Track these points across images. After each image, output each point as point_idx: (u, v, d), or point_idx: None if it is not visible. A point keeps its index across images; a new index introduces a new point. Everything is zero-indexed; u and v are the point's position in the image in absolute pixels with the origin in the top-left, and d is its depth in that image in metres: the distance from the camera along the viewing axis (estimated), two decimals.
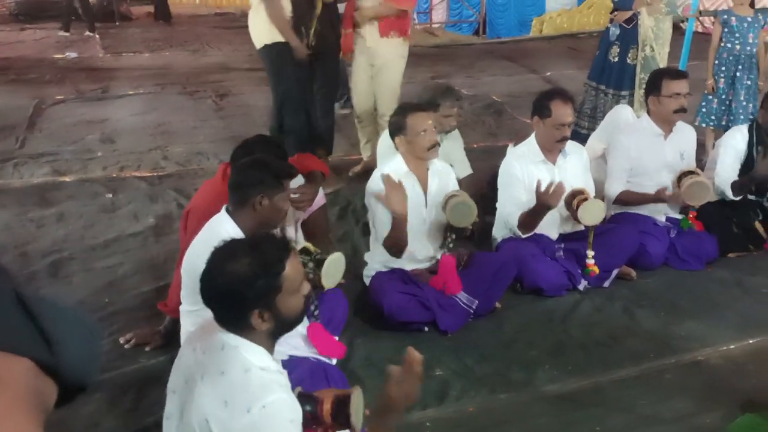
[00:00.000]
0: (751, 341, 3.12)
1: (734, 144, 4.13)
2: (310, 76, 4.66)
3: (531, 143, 3.72)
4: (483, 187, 4.13)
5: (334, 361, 2.75)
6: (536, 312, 3.39)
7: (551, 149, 3.66)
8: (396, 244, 3.19)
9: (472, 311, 3.22)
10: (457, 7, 13.56)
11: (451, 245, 3.29)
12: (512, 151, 3.83)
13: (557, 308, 3.42)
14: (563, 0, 12.76)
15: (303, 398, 1.85)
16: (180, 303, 2.59)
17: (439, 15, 14.19)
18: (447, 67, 9.46)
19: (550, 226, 3.68)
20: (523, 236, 3.60)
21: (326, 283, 2.63)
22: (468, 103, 7.10)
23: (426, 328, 3.17)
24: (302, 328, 2.69)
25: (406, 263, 3.30)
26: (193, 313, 2.44)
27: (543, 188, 3.37)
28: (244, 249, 1.79)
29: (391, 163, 3.34)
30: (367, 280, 3.37)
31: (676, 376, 2.88)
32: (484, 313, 3.28)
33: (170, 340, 2.93)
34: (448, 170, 3.48)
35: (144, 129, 6.27)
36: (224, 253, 1.79)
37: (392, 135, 3.30)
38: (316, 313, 2.73)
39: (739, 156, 4.10)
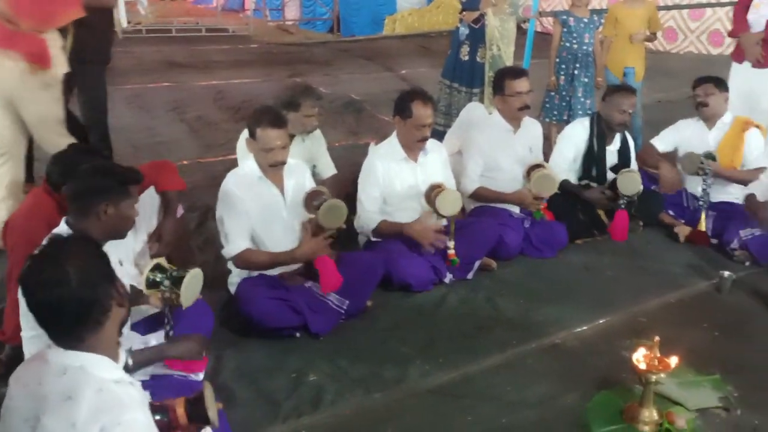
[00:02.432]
0: (601, 321, 3.34)
1: (574, 134, 4.42)
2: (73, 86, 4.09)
3: (393, 142, 3.76)
4: (348, 187, 4.12)
5: (200, 377, 2.61)
6: (406, 308, 3.43)
7: (412, 148, 3.73)
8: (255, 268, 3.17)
9: (343, 312, 3.20)
10: (310, 4, 13.53)
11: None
12: (374, 150, 3.86)
13: (426, 303, 3.49)
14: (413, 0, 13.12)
15: (154, 409, 1.81)
16: (19, 329, 2.33)
17: (292, 12, 14.07)
18: (304, 66, 9.40)
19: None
20: (373, 239, 3.65)
21: (185, 301, 2.50)
22: (328, 101, 7.07)
23: (297, 333, 3.11)
24: (157, 342, 2.53)
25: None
26: (36, 338, 2.21)
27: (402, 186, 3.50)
28: (60, 254, 1.66)
29: (244, 166, 3.24)
30: (232, 288, 3.24)
31: (538, 360, 3.02)
32: (356, 312, 3.27)
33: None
34: (303, 168, 3.41)
35: None
36: (40, 264, 1.65)
37: (250, 134, 3.18)
38: (171, 333, 2.57)
39: (579, 147, 4.39)
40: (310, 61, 9.79)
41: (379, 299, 3.42)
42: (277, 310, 3.01)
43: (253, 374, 2.85)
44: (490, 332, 3.23)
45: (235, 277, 3.24)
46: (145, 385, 2.24)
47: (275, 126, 3.11)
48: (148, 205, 2.94)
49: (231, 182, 3.15)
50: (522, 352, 3.08)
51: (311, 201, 3.16)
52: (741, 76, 4.76)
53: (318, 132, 4.10)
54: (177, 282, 2.50)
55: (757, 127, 4.34)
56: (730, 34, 5.07)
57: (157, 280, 2.51)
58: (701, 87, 4.40)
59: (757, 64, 4.74)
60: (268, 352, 3.00)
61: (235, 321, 3.12)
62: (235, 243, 3.11)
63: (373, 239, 3.70)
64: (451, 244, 3.64)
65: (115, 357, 1.72)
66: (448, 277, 3.67)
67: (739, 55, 4.90)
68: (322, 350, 3.03)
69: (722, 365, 2.95)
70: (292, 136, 3.97)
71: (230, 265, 3.29)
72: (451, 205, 3.58)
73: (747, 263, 3.96)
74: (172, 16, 13.83)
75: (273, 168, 3.17)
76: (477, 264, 3.77)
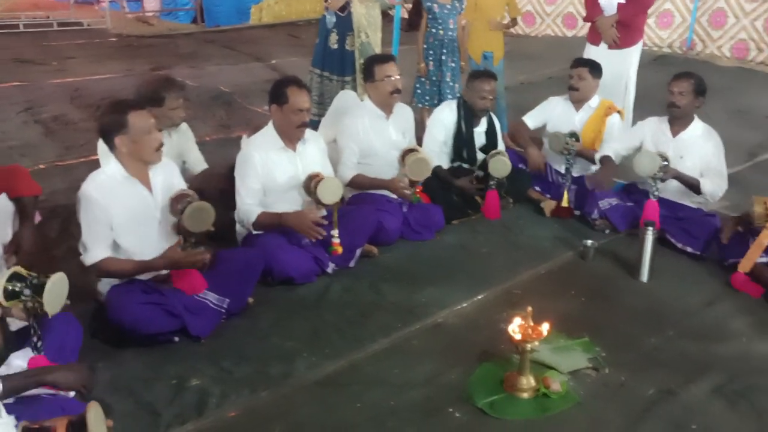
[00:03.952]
0: (479, 297, 3.47)
1: (443, 117, 4.56)
2: None
3: (269, 132, 3.69)
4: (221, 182, 3.99)
5: (71, 394, 2.45)
6: (289, 302, 3.38)
7: (291, 136, 3.67)
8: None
9: (224, 311, 3.11)
10: None
11: (189, 247, 3.10)
12: (249, 142, 3.76)
13: (309, 295, 3.46)
14: None
15: (31, 431, 1.72)
16: None
17: (151, 3, 13.44)
18: (167, 58, 9.01)
19: None
20: (254, 232, 3.59)
21: (50, 309, 2.33)
22: (195, 94, 6.83)
23: (176, 338, 2.99)
24: (23, 362, 2.35)
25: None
26: None
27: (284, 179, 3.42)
28: None
29: (106, 168, 3.02)
30: (101, 297, 3.05)
31: (422, 341, 3.09)
32: (237, 311, 3.18)
33: None
34: (170, 165, 3.25)
35: None
36: None
37: (108, 134, 2.95)
38: (39, 345, 2.39)
39: (449, 129, 4.52)
40: (174, 54, 9.39)
41: (261, 295, 3.35)
42: (150, 316, 2.86)
43: (130, 385, 2.70)
44: (375, 318, 3.26)
45: (104, 284, 3.05)
46: (8, 408, 2.07)
47: (141, 107, 2.98)
48: (1, 214, 2.70)
49: (90, 187, 2.93)
50: (406, 334, 3.13)
51: (176, 204, 3.01)
52: (597, 57, 4.98)
53: (185, 125, 3.95)
54: (38, 289, 2.35)
55: (619, 112, 4.65)
56: (586, 19, 5.36)
57: (17, 290, 2.34)
58: (577, 70, 4.61)
59: (614, 45, 5.06)
60: (145, 360, 2.86)
61: (106, 331, 2.94)
62: (93, 252, 2.92)
63: (255, 232, 3.61)
64: (335, 233, 3.63)
65: None
66: (331, 267, 3.66)
67: (595, 38, 5.20)
68: (204, 353, 2.93)
69: (590, 328, 3.15)
70: (159, 132, 3.80)
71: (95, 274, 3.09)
72: (332, 193, 3.57)
73: (607, 231, 4.25)
74: (18, 10, 12.79)
75: (150, 159, 3.00)
76: (359, 252, 3.79)
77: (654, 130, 4.29)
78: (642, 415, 2.61)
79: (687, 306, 3.43)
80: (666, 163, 3.97)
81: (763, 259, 3.53)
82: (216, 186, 3.97)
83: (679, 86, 4.10)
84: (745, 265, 3.52)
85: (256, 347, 2.99)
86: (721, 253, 3.80)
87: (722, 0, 9.37)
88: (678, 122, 4.18)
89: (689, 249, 3.94)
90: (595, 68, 4.62)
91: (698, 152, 4.12)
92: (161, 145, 3.02)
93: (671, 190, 4.17)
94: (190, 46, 10.15)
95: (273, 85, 3.68)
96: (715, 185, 4.07)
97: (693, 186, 4.07)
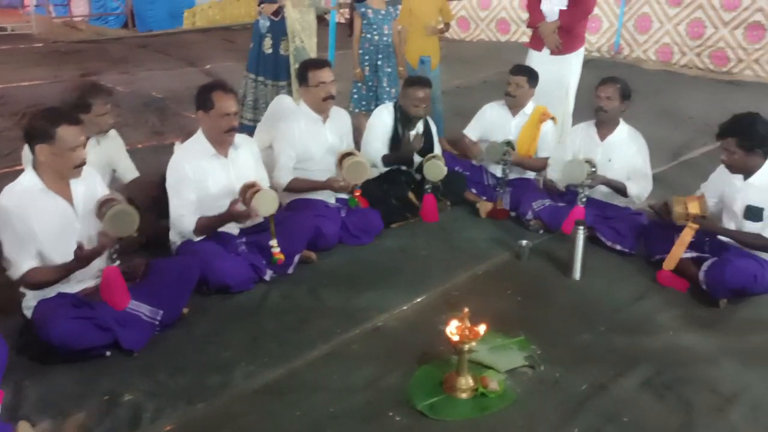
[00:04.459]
0: (418, 300, 3.49)
1: (380, 121, 4.59)
2: None
3: (199, 139, 3.62)
4: (154, 190, 3.90)
5: None
6: (226, 310, 3.33)
7: (221, 142, 3.61)
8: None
9: (157, 323, 3.04)
10: None
11: (114, 256, 3.01)
12: (180, 149, 3.69)
13: (247, 303, 3.41)
14: None
15: None
16: None
17: (80, 8, 13.05)
18: (97, 64, 8.75)
19: (231, 223, 3.64)
20: (197, 239, 3.52)
21: None
22: (126, 101, 6.66)
23: (108, 352, 2.89)
24: None
25: (72, 285, 2.96)
26: None
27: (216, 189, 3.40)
28: None
29: (22, 179, 2.90)
30: (28, 312, 2.93)
31: (362, 345, 3.09)
32: (172, 322, 3.11)
33: None
34: (92, 173, 3.14)
35: None
36: None
37: (31, 140, 2.85)
38: None
39: (386, 132, 4.56)
40: (105, 59, 9.13)
41: (197, 305, 3.29)
42: (80, 330, 2.76)
43: (59, 403, 2.60)
44: (314, 324, 3.24)
45: (31, 300, 2.93)
46: None
47: (76, 123, 2.88)
48: None
49: (6, 199, 2.82)
50: (346, 339, 3.12)
51: (101, 208, 2.93)
52: (539, 63, 5.12)
53: (113, 132, 3.84)
54: None
55: (552, 118, 4.77)
56: (529, 25, 5.44)
57: None
58: (515, 78, 4.69)
59: (556, 51, 5.17)
60: (76, 376, 2.76)
61: (34, 347, 2.83)
62: (17, 265, 2.81)
63: (196, 239, 3.53)
64: (273, 242, 3.59)
65: None
66: (269, 274, 3.62)
67: (537, 44, 5.28)
68: (138, 367, 2.85)
69: (526, 326, 3.21)
70: (85, 139, 3.68)
71: (24, 288, 2.97)
72: (268, 204, 3.52)
73: (541, 231, 4.35)
74: None
75: (68, 175, 2.91)
76: (297, 258, 3.76)
77: (582, 135, 4.43)
78: (576, 409, 2.68)
79: (617, 302, 3.54)
80: (594, 169, 4.11)
81: (688, 255, 3.68)
82: (149, 194, 3.90)
83: (605, 91, 4.24)
84: (669, 263, 3.66)
85: (192, 358, 2.93)
86: (647, 250, 3.94)
87: (647, 5, 9.76)
88: (605, 126, 4.32)
89: (618, 247, 4.08)
90: (533, 77, 4.73)
91: (625, 155, 4.27)
92: (83, 163, 2.93)
93: (600, 191, 4.32)
94: (121, 51, 9.88)
95: (198, 91, 3.59)
96: (640, 187, 4.23)
97: (620, 190, 4.23)
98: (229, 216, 3.50)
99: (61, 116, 2.88)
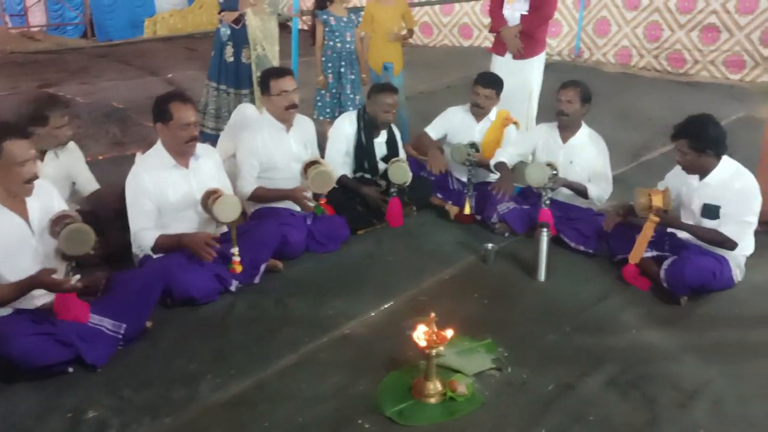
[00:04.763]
0: (386, 306, 3.49)
1: (343, 129, 4.58)
2: None
3: (159, 150, 3.58)
4: (116, 202, 3.84)
5: None
6: (191, 322, 3.29)
7: (182, 153, 3.57)
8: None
9: (120, 336, 2.99)
10: (57, 8, 12.41)
11: (70, 271, 2.95)
12: (140, 161, 3.64)
13: (212, 314, 3.38)
14: (173, 0, 12.59)
15: None
16: None
17: (37, 18, 12.80)
18: (56, 74, 8.59)
19: None
20: (155, 256, 3.48)
21: None
22: (86, 112, 6.54)
23: (70, 368, 2.83)
24: None
25: (30, 301, 2.90)
26: None
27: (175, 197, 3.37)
28: None
29: None
30: None
31: (330, 353, 3.08)
32: (135, 335, 3.07)
33: None
34: (48, 188, 3.08)
35: None
36: None
37: None
38: None
39: (349, 140, 4.55)
40: (64, 69, 8.95)
41: (161, 317, 3.24)
42: (41, 347, 2.70)
43: (21, 422, 2.55)
44: (282, 333, 3.22)
45: None
46: None
47: (24, 136, 2.83)
48: None
49: None
50: (314, 347, 3.11)
51: (55, 227, 2.87)
52: (502, 67, 5.18)
53: (72, 144, 3.78)
54: None
55: (515, 123, 4.82)
56: (491, 30, 5.49)
57: None
58: (484, 90, 4.69)
59: (518, 55, 5.22)
60: (38, 394, 2.70)
61: None
62: None
63: (155, 256, 3.49)
64: (234, 251, 3.55)
65: None
66: (234, 285, 3.58)
67: (500, 48, 5.33)
68: (101, 382, 2.80)
69: (493, 329, 3.24)
70: (43, 152, 3.63)
71: None
72: (229, 210, 3.49)
73: (506, 234, 4.39)
74: None
75: (18, 191, 2.85)
76: (263, 267, 3.73)
77: (545, 137, 4.49)
78: (543, 410, 2.71)
79: (582, 302, 3.59)
80: (555, 172, 4.18)
81: (650, 254, 3.75)
82: (110, 206, 3.84)
83: (566, 95, 4.30)
84: (634, 256, 3.72)
85: (157, 372, 2.89)
86: (610, 250, 4.01)
87: (605, 9, 9.93)
88: (567, 129, 4.39)
89: (582, 248, 4.14)
90: (501, 87, 4.78)
91: (586, 157, 4.34)
92: (33, 178, 2.86)
93: (563, 193, 4.39)
94: (80, 61, 9.71)
95: (155, 102, 3.54)
96: (601, 189, 4.30)
97: (581, 192, 4.29)
98: (182, 242, 3.45)
99: (7, 130, 2.82)
